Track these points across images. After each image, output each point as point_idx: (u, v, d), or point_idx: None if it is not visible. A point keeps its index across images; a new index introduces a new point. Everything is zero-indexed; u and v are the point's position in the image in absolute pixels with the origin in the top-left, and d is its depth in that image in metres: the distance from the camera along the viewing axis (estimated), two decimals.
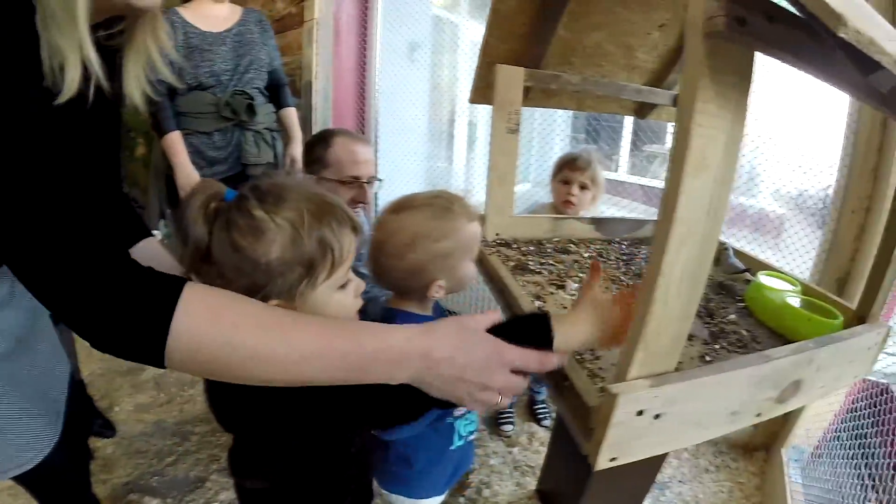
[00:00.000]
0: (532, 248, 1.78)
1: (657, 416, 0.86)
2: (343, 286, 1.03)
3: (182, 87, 2.79)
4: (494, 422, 2.76)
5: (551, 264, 1.64)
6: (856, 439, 2.16)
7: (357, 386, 0.85)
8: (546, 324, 0.94)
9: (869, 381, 2.20)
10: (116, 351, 0.77)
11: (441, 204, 1.31)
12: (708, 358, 1.13)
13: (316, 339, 0.80)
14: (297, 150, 3.07)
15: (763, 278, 1.46)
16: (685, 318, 0.84)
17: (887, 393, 2.17)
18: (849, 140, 2.19)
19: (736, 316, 1.38)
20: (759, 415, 1.05)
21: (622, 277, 1.60)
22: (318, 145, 2.04)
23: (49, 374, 1.41)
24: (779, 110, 2.53)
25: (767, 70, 2.34)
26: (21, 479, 1.41)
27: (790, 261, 2.48)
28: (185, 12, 2.81)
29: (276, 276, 0.92)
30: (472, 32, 4.13)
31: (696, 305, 0.85)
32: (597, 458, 0.87)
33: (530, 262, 1.62)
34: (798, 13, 0.64)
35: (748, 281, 1.60)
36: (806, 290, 1.45)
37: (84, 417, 2.24)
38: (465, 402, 0.89)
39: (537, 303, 1.37)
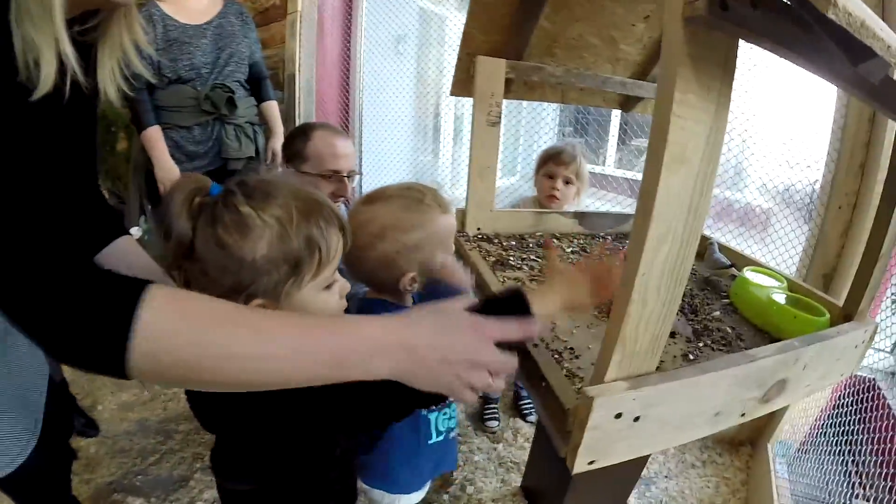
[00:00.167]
0: (514, 242, 1.76)
1: (636, 419, 0.84)
2: (328, 287, 1.00)
3: (161, 82, 2.75)
4: (479, 418, 2.73)
5: (533, 259, 1.61)
6: (842, 434, 2.15)
7: (341, 386, 0.80)
8: (521, 297, 0.91)
9: (855, 376, 2.19)
10: (76, 360, 0.72)
11: (413, 195, 1.30)
12: (691, 356, 1.11)
13: (289, 334, 0.76)
14: (279, 143, 3.00)
15: (748, 274, 1.44)
16: (666, 319, 0.81)
17: (873, 388, 2.16)
18: (836, 135, 2.17)
19: (720, 312, 1.36)
20: (743, 415, 1.03)
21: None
22: (297, 139, 2.00)
23: (27, 375, 1.38)
24: (766, 103, 2.51)
25: (754, 61, 2.33)
26: None
27: (776, 255, 2.46)
28: (165, 5, 2.76)
29: (261, 274, 0.89)
30: (459, 25, 4.01)
31: (678, 305, 0.82)
32: (574, 461, 0.84)
33: (511, 258, 1.60)
34: None
35: (733, 276, 1.58)
36: (792, 287, 1.43)
37: (65, 417, 2.21)
38: (455, 388, 0.84)
39: None
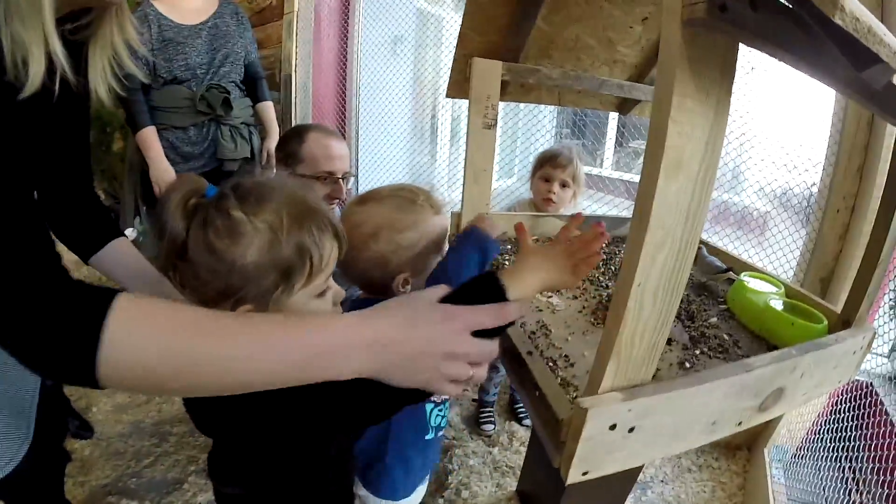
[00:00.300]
0: (509, 246, 1.74)
1: (631, 430, 0.82)
2: (322, 294, 0.98)
3: (156, 82, 2.75)
4: (475, 421, 2.72)
5: None
6: (839, 440, 2.14)
7: (321, 386, 0.78)
8: (495, 280, 0.89)
9: (852, 380, 2.18)
10: (48, 372, 0.71)
11: (406, 196, 1.30)
12: (687, 364, 1.10)
13: (254, 338, 0.73)
14: (274, 144, 3.00)
15: (746, 280, 1.42)
16: (662, 328, 0.79)
17: (870, 392, 2.15)
18: (834, 138, 2.17)
19: (717, 319, 1.35)
20: (739, 424, 1.01)
21: (601, 277, 1.56)
22: (291, 140, 1.99)
23: (20, 378, 1.36)
24: (764, 105, 2.50)
25: (752, 63, 2.32)
26: None
27: (774, 260, 2.45)
28: (160, 4, 2.75)
29: (250, 280, 0.88)
30: (457, 26, 3.98)
31: (674, 314, 0.80)
32: (568, 472, 0.83)
33: (506, 262, 1.59)
34: (786, 0, 0.59)
35: (731, 280, 1.56)
36: (789, 293, 1.42)
37: (59, 419, 2.20)
38: (434, 383, 0.82)
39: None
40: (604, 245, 1.84)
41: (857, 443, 2.06)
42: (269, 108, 3.12)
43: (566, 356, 1.10)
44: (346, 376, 0.77)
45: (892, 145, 1.13)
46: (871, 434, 2.01)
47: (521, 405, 2.81)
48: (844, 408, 2.22)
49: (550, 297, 1.39)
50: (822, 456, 2.18)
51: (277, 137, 3.03)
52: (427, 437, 1.44)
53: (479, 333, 0.81)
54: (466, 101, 1.71)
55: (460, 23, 1.64)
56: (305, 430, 0.99)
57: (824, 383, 1.18)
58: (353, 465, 1.35)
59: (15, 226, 0.77)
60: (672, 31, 0.67)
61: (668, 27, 0.67)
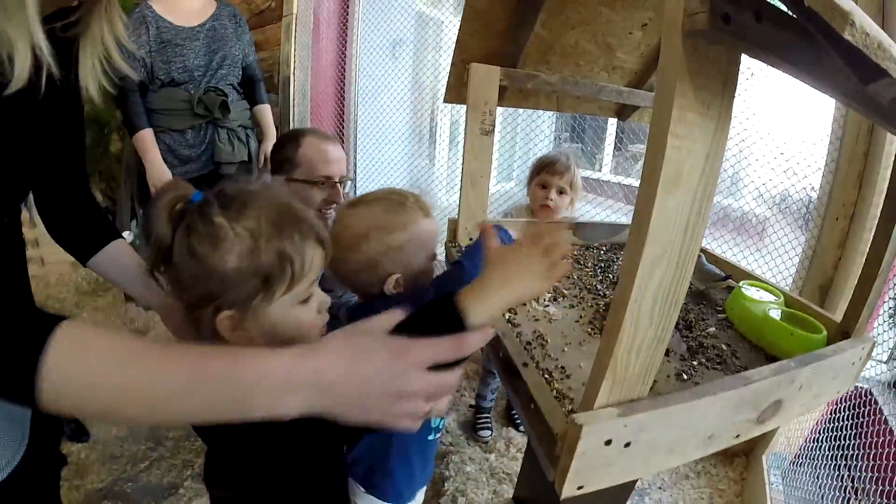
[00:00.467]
0: None
1: (627, 445, 0.81)
2: (305, 301, 0.98)
3: (154, 84, 2.75)
4: (472, 427, 2.71)
5: None
6: (837, 447, 2.13)
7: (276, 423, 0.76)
8: (453, 306, 0.86)
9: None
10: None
11: (395, 199, 1.31)
12: (685, 376, 1.08)
13: (187, 370, 0.71)
14: (272, 147, 3.00)
15: (745, 289, 1.41)
16: (659, 344, 0.78)
17: (869, 399, 2.14)
18: (834, 145, 2.16)
19: (716, 328, 1.33)
20: (737, 436, 1.00)
21: (598, 285, 1.55)
22: (287, 145, 1.97)
23: None
24: (764, 110, 2.49)
25: (752, 68, 2.31)
26: None
27: (772, 266, 2.44)
28: (158, 6, 2.76)
29: (230, 286, 0.88)
30: (456, 30, 3.98)
31: (672, 329, 0.78)
32: (563, 486, 0.81)
33: None
34: (792, 12, 0.58)
35: (730, 288, 1.55)
36: (789, 302, 1.40)
37: (55, 423, 2.19)
38: (388, 421, 0.78)
39: (507, 314, 1.31)
40: (602, 251, 1.84)
41: (856, 451, 2.05)
42: (266, 111, 3.11)
43: (562, 367, 1.09)
44: (284, 414, 0.74)
45: (894, 153, 1.12)
46: (870, 441, 2.00)
47: None
48: (843, 415, 2.21)
49: (547, 306, 1.38)
50: (821, 463, 2.18)
51: (274, 140, 3.02)
52: (429, 438, 1.45)
53: (437, 365, 0.79)
54: (465, 106, 1.71)
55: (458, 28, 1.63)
56: (281, 454, 0.99)
57: (823, 394, 1.17)
58: (345, 471, 1.34)
59: None
60: (673, 42, 0.65)
61: (668, 38, 0.66)
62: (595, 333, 1.27)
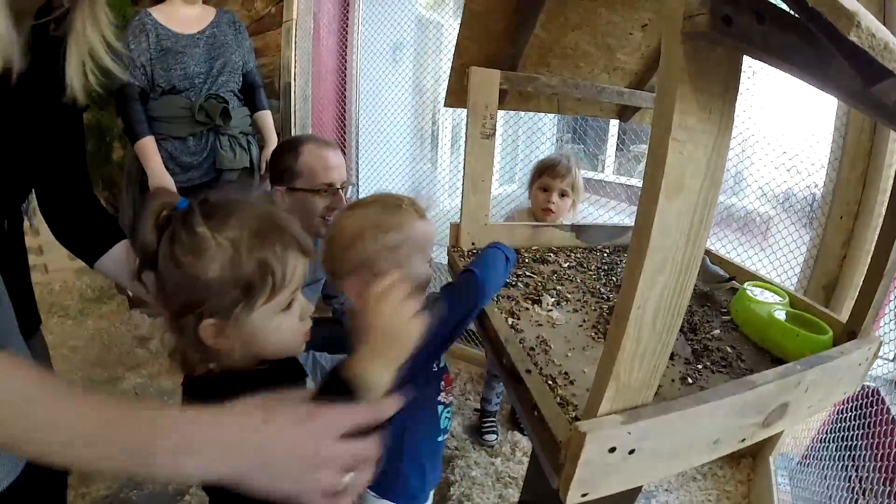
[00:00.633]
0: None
1: (631, 452, 0.80)
2: (287, 308, 0.99)
3: (155, 92, 2.75)
4: (477, 431, 2.71)
5: (528, 276, 1.59)
6: (846, 449, 2.11)
7: None
8: (342, 383, 0.85)
9: None
10: None
11: (391, 201, 1.34)
12: (690, 380, 1.08)
13: (94, 418, 0.68)
14: None
15: (749, 290, 1.40)
16: (662, 351, 0.77)
17: (877, 401, 2.13)
18: (837, 143, 2.15)
19: (720, 331, 1.33)
20: (742, 440, 0.99)
21: (602, 289, 1.54)
22: (286, 155, 1.96)
23: None
24: (766, 108, 2.48)
25: (754, 67, 2.30)
26: None
27: (777, 266, 2.43)
28: (157, 14, 2.76)
29: (212, 295, 0.89)
30: (457, 33, 3.98)
31: (675, 336, 0.77)
32: (567, 494, 0.81)
33: (518, 279, 1.57)
34: (794, 12, 0.57)
35: (734, 289, 1.55)
36: (794, 302, 1.39)
37: None
38: (302, 495, 0.74)
39: (511, 320, 1.31)
40: (605, 254, 1.83)
41: (864, 451, 2.04)
42: (267, 117, 3.11)
43: (566, 373, 1.08)
44: (197, 477, 0.71)
45: None
46: (878, 442, 1.99)
47: None
48: (850, 415, 2.20)
49: (550, 310, 1.37)
50: (828, 464, 2.16)
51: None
52: (438, 440, 1.46)
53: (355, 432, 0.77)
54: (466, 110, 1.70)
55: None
56: None
57: (829, 396, 1.16)
58: None
59: None
60: (673, 45, 0.64)
61: (668, 41, 0.65)
62: (599, 338, 1.26)
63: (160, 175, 2.72)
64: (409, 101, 3.95)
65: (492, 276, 1.28)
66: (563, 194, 2.36)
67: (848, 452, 2.09)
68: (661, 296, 0.71)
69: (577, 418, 0.86)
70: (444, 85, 1.78)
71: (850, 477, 2.02)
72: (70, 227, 1.40)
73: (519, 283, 1.52)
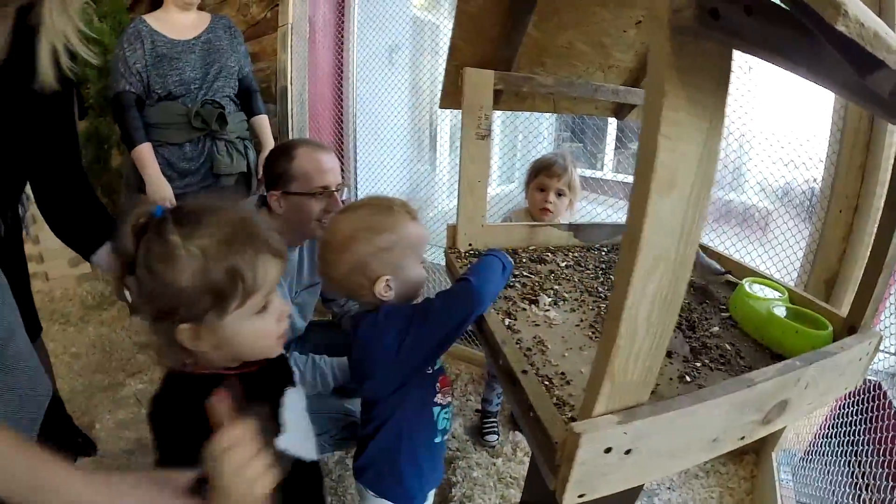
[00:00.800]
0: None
1: (628, 452, 0.79)
2: (262, 311, 1.02)
3: (151, 98, 2.77)
4: (478, 432, 2.70)
5: (525, 276, 1.58)
6: (849, 444, 2.11)
7: None
8: None
9: None
10: None
11: (382, 203, 1.36)
12: (688, 378, 1.07)
13: None
14: None
15: (748, 286, 1.39)
16: (657, 350, 0.76)
17: (879, 395, 2.12)
18: (835, 137, 2.14)
19: (719, 328, 1.32)
20: (742, 438, 0.99)
21: (600, 288, 1.53)
22: (279, 160, 1.95)
23: (25, 397, 1.35)
24: (764, 104, 2.47)
25: (750, 63, 2.29)
26: None
27: (777, 261, 2.42)
28: (152, 20, 2.78)
29: (184, 302, 0.92)
30: None
31: (670, 335, 0.77)
32: (563, 495, 0.80)
33: (516, 281, 1.56)
34: (783, 4, 0.56)
35: (729, 283, 1.54)
36: (793, 298, 1.38)
37: (62, 437, 2.19)
38: None
39: (507, 321, 1.30)
40: (603, 252, 1.82)
41: (867, 445, 2.03)
42: (264, 122, 3.11)
43: (563, 374, 1.08)
44: None
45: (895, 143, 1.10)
46: (881, 436, 1.98)
47: None
48: (852, 409, 2.20)
49: (548, 310, 1.37)
50: (831, 459, 2.16)
51: None
52: (436, 441, 1.45)
53: None
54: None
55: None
56: None
57: (830, 392, 1.15)
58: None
59: None
60: (659, 40, 0.62)
61: (655, 36, 0.63)
62: (596, 337, 1.25)
63: (157, 181, 2.72)
64: (406, 103, 3.94)
65: (488, 285, 1.28)
66: (560, 193, 2.36)
67: (851, 447, 2.09)
68: (655, 294, 0.71)
69: (573, 419, 0.85)
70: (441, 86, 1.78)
71: (854, 472, 2.01)
72: (65, 219, 1.42)
73: (516, 284, 1.51)
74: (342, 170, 3.84)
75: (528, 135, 4.02)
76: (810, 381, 1.03)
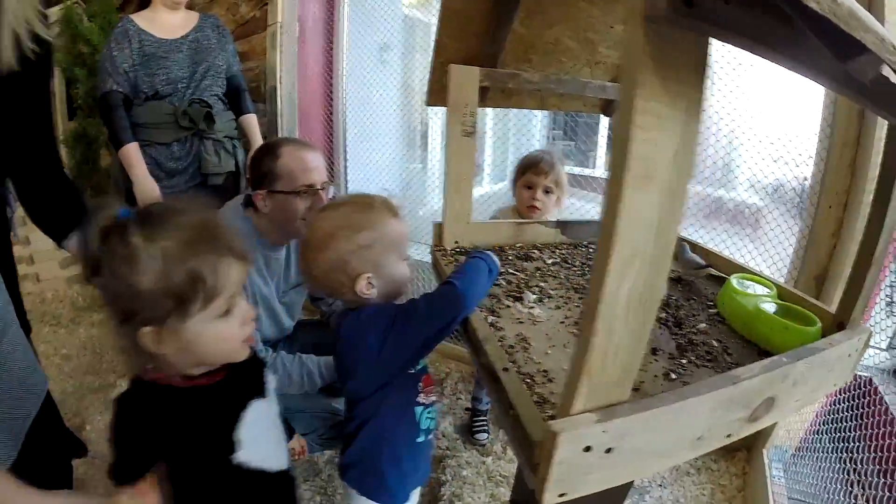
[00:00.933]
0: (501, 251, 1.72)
1: (608, 451, 0.78)
2: (225, 314, 1.02)
3: (138, 98, 2.76)
4: (468, 430, 2.69)
5: (511, 273, 1.57)
6: (840, 440, 2.10)
7: None
8: None
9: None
10: None
11: (362, 200, 1.36)
12: (673, 375, 1.06)
13: None
14: None
15: (736, 282, 1.38)
16: (636, 346, 0.75)
17: (871, 391, 2.12)
18: (825, 132, 2.14)
19: (706, 325, 1.31)
20: (728, 436, 0.97)
21: (586, 285, 1.52)
22: (264, 159, 1.94)
23: (18, 393, 1.34)
24: (753, 100, 2.46)
25: (738, 59, 2.28)
26: None
27: (767, 257, 2.41)
28: (140, 20, 2.77)
29: (146, 306, 0.93)
30: None
31: (649, 331, 0.75)
32: (543, 495, 0.79)
33: (501, 278, 1.54)
34: None
35: (712, 276, 1.54)
36: (782, 294, 1.37)
37: (51, 440, 2.18)
38: None
39: (491, 318, 1.29)
40: (591, 249, 1.81)
41: (858, 442, 2.03)
42: (252, 121, 3.09)
43: (545, 371, 1.06)
44: None
45: (885, 141, 1.09)
46: (873, 433, 1.98)
47: None
48: (844, 405, 2.19)
49: (532, 307, 1.36)
50: (823, 455, 2.15)
51: None
52: (418, 441, 1.43)
53: None
54: None
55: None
56: None
57: (819, 388, 1.14)
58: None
59: None
60: (634, 29, 0.61)
61: (629, 25, 0.62)
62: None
63: (144, 181, 2.70)
64: (397, 102, 3.93)
65: (473, 288, 1.27)
66: (547, 191, 2.34)
67: (843, 444, 2.08)
68: (632, 290, 0.69)
69: (553, 417, 0.84)
70: None
71: (846, 468, 2.01)
72: (39, 204, 1.42)
73: (501, 281, 1.50)
74: (332, 169, 3.83)
75: (520, 133, 4.02)
76: (798, 377, 1.02)
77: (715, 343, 1.21)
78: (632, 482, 1.41)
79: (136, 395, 1.05)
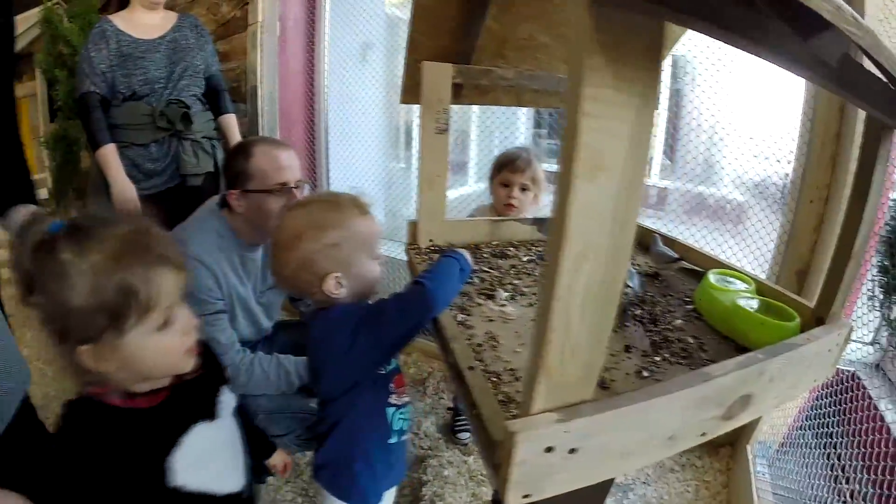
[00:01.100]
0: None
1: (572, 451, 0.76)
2: (164, 326, 0.99)
3: (116, 99, 2.74)
4: (450, 430, 2.68)
5: (484, 271, 1.56)
6: (824, 436, 2.10)
7: None
8: None
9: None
10: None
11: (330, 199, 1.36)
12: (645, 373, 1.04)
13: None
14: None
15: (713, 277, 1.36)
16: (597, 344, 0.72)
17: (854, 383, 2.11)
18: (806, 127, 2.13)
19: (683, 321, 1.29)
20: (703, 434, 0.95)
21: None
22: (237, 158, 1.92)
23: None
24: (736, 94, 2.46)
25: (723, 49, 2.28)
26: None
27: (748, 253, 2.41)
28: (118, 20, 2.76)
29: (79, 323, 0.90)
30: None
31: (610, 328, 0.73)
32: (506, 496, 0.76)
33: (475, 277, 1.53)
34: None
35: (689, 271, 1.54)
36: (761, 289, 1.35)
37: (34, 444, 2.16)
38: None
39: (461, 316, 1.28)
40: None
41: (844, 438, 2.02)
42: (231, 121, 3.06)
43: (512, 370, 1.04)
44: None
45: (862, 134, 1.07)
46: (857, 428, 1.97)
47: None
48: (827, 400, 2.18)
49: (504, 305, 1.34)
50: (807, 451, 2.14)
51: None
52: (390, 442, 1.42)
53: None
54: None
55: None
56: None
57: (798, 385, 1.12)
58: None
59: None
60: (579, 12, 0.57)
61: (574, 8, 0.58)
62: None
63: (121, 183, 2.68)
64: (380, 101, 3.92)
65: (443, 288, 1.25)
66: (524, 188, 2.33)
67: (827, 439, 2.07)
68: (588, 286, 0.67)
69: (517, 416, 0.82)
70: None
71: (831, 464, 2.00)
72: None
73: (475, 279, 1.49)
74: (314, 169, 3.81)
75: (505, 131, 4.00)
76: (775, 374, 1.00)
77: (691, 340, 1.19)
78: (612, 480, 1.38)
79: (72, 415, 1.02)
